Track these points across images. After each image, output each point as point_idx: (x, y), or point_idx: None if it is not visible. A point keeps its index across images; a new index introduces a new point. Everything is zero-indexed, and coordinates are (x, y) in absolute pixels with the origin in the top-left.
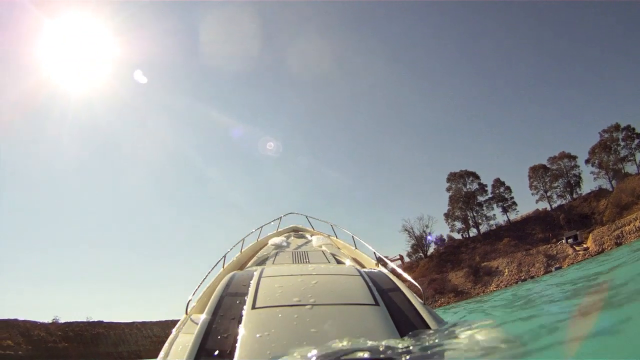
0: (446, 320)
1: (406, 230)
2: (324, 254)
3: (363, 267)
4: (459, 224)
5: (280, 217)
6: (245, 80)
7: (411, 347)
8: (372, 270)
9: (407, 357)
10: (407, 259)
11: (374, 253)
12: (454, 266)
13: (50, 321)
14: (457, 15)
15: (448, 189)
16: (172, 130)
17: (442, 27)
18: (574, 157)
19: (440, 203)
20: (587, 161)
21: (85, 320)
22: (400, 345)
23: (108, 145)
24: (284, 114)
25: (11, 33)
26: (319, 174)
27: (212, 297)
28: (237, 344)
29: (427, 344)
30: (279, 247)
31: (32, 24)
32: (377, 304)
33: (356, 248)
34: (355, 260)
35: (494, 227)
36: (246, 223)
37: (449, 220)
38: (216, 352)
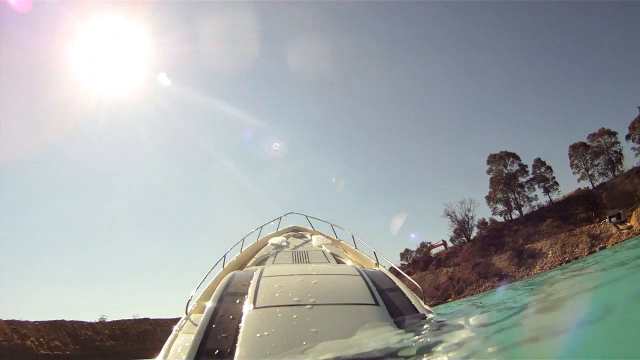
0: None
1: (448, 214)
2: (323, 253)
3: (363, 267)
4: (500, 207)
5: (280, 217)
6: (257, 82)
7: (407, 343)
8: (372, 270)
9: (404, 349)
10: (450, 244)
11: (374, 253)
12: (497, 249)
13: (97, 320)
14: None
15: (488, 171)
16: (192, 133)
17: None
18: (614, 134)
19: (481, 186)
20: (627, 137)
21: (131, 318)
22: (397, 341)
23: (138, 147)
24: (296, 113)
25: (47, 39)
26: (336, 172)
27: (212, 296)
28: (237, 344)
29: (422, 332)
30: (279, 247)
31: (67, 30)
32: (377, 303)
33: (356, 248)
34: (355, 260)
35: (536, 208)
36: (246, 223)
37: (491, 203)
38: (216, 352)
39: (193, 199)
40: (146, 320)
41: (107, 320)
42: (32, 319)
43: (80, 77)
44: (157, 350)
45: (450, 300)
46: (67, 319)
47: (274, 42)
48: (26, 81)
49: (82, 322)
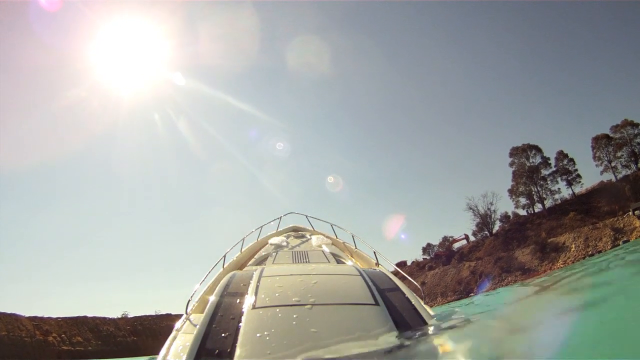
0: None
1: (470, 208)
2: (323, 253)
3: (363, 266)
4: (523, 200)
5: (280, 217)
6: (264, 81)
7: (407, 343)
8: (372, 270)
9: (404, 349)
10: (472, 238)
11: (374, 252)
12: (519, 243)
13: (120, 316)
14: None
15: (511, 164)
16: (207, 131)
17: None
18: (638, 125)
19: (501, 180)
20: None
21: (153, 313)
22: (397, 341)
23: (156, 144)
24: (301, 112)
25: (70, 38)
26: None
27: (212, 296)
28: (237, 344)
29: (422, 339)
30: (279, 247)
31: (89, 30)
32: (377, 303)
33: (356, 248)
34: (355, 260)
35: (559, 201)
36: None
37: (513, 197)
38: (216, 352)
39: (214, 196)
40: (168, 316)
41: (129, 316)
42: (54, 316)
43: (99, 76)
44: None
45: (472, 294)
46: (90, 314)
47: (277, 42)
48: (49, 79)
49: (104, 318)
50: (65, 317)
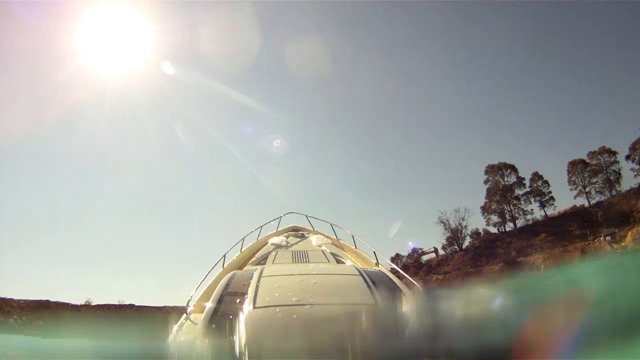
0: None
1: (442, 222)
2: (323, 253)
3: (363, 266)
4: (495, 218)
5: (280, 217)
6: (260, 77)
7: (406, 342)
8: (372, 269)
9: (404, 348)
10: (441, 252)
11: (374, 252)
12: (489, 260)
13: (83, 303)
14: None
15: (485, 182)
16: (195, 120)
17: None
18: (615, 153)
19: (476, 196)
20: (627, 157)
21: (117, 303)
22: (397, 337)
23: (141, 132)
24: (298, 111)
25: (52, 22)
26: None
27: (212, 296)
28: (236, 344)
29: (422, 332)
30: (278, 247)
31: (73, 13)
32: (377, 303)
33: (356, 248)
34: (355, 259)
35: (531, 222)
36: (244, 215)
37: (486, 214)
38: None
39: (191, 187)
40: (131, 306)
41: (92, 304)
42: (16, 297)
43: (85, 61)
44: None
45: None
46: (53, 299)
47: (275, 39)
48: (31, 63)
49: (67, 304)
50: (28, 300)
